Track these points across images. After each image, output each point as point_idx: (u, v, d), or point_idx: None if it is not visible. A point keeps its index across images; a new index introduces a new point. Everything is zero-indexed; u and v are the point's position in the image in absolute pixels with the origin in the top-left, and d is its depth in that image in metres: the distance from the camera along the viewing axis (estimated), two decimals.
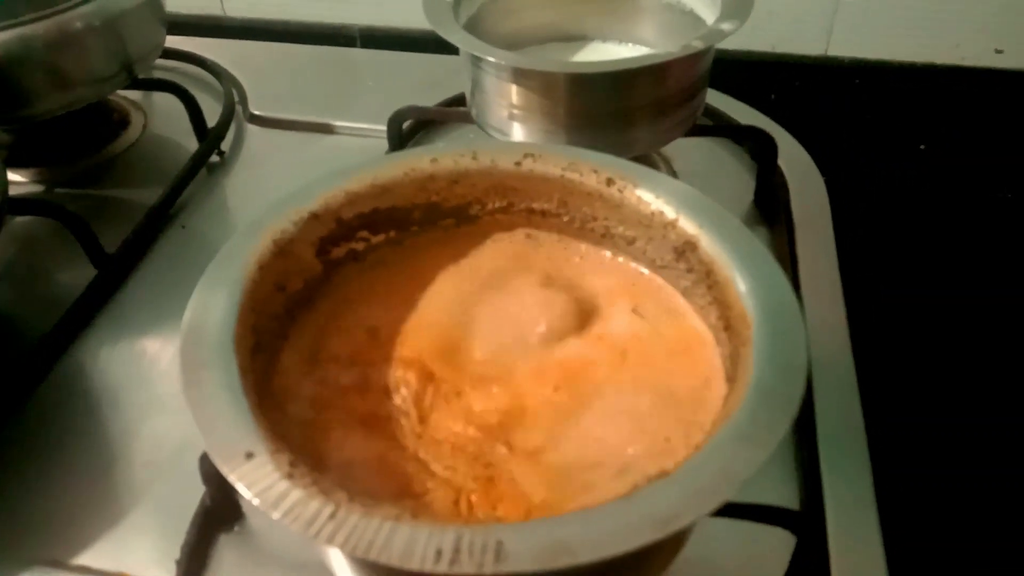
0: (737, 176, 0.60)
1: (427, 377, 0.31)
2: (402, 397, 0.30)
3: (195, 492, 0.39)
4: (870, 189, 0.69)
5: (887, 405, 0.45)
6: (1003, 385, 0.52)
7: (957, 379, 0.51)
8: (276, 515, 0.22)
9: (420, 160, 0.36)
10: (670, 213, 0.33)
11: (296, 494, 0.23)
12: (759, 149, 0.58)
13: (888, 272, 0.60)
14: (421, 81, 0.69)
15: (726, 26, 0.47)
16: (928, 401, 0.49)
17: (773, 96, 0.73)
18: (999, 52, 0.70)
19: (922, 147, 0.72)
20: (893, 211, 0.67)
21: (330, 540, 0.22)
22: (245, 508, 0.40)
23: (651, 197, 0.33)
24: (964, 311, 0.57)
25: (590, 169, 0.35)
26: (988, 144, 0.71)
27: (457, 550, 0.21)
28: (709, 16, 0.52)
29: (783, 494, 0.40)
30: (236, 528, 0.39)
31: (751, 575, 0.37)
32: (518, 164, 0.35)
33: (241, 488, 0.23)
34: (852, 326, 0.47)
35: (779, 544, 0.37)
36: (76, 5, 0.56)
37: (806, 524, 0.37)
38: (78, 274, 0.52)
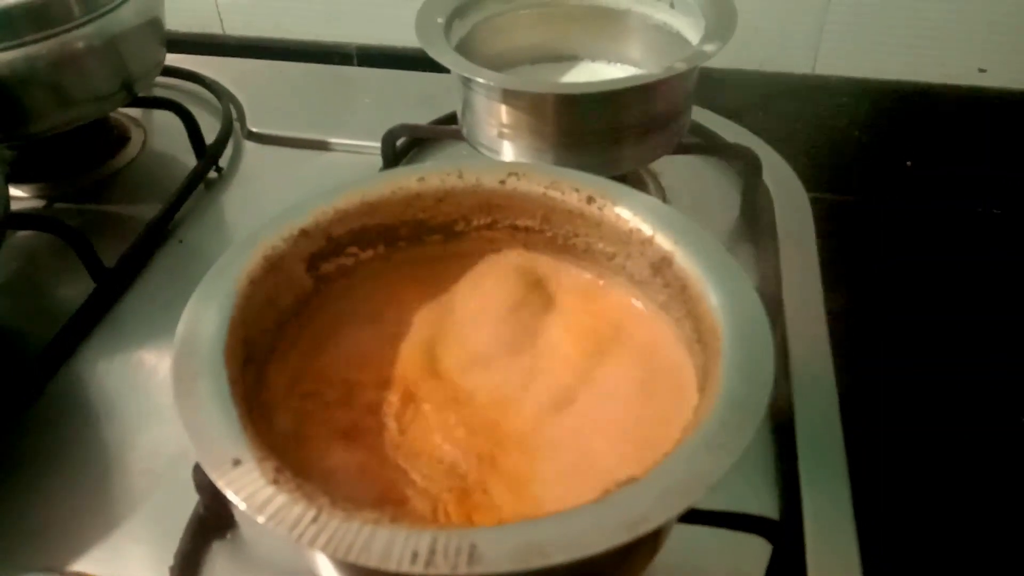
0: (723, 192, 0.62)
1: (408, 392, 0.32)
2: (384, 412, 0.31)
3: (189, 501, 0.40)
4: (857, 205, 0.70)
5: (866, 417, 0.46)
6: (985, 396, 0.53)
7: (938, 391, 0.52)
8: (261, 519, 0.23)
9: (408, 179, 0.37)
10: (647, 230, 0.34)
11: (281, 499, 0.24)
12: (744, 166, 0.59)
13: (872, 288, 0.61)
14: (416, 99, 0.71)
15: (709, 47, 0.49)
16: (908, 413, 0.50)
17: (761, 113, 0.75)
18: (983, 71, 0.71)
19: (908, 163, 0.74)
20: (879, 227, 0.68)
21: (312, 542, 0.23)
22: (237, 516, 0.41)
23: (629, 215, 0.34)
24: (949, 326, 0.58)
25: (571, 187, 0.36)
26: (974, 160, 0.72)
27: (432, 552, 0.22)
28: (694, 37, 0.54)
29: (762, 503, 0.41)
30: (228, 536, 0.40)
31: None
32: (502, 183, 0.37)
33: (229, 493, 0.24)
34: (833, 340, 0.48)
35: (757, 552, 0.38)
36: (78, 25, 0.57)
37: (783, 533, 0.38)
38: (77, 288, 0.54)
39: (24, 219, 0.58)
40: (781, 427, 0.44)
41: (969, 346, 0.57)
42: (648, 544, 0.29)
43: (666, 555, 0.31)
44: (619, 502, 0.24)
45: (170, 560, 0.38)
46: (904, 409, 0.51)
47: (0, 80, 0.55)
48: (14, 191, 0.64)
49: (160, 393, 0.48)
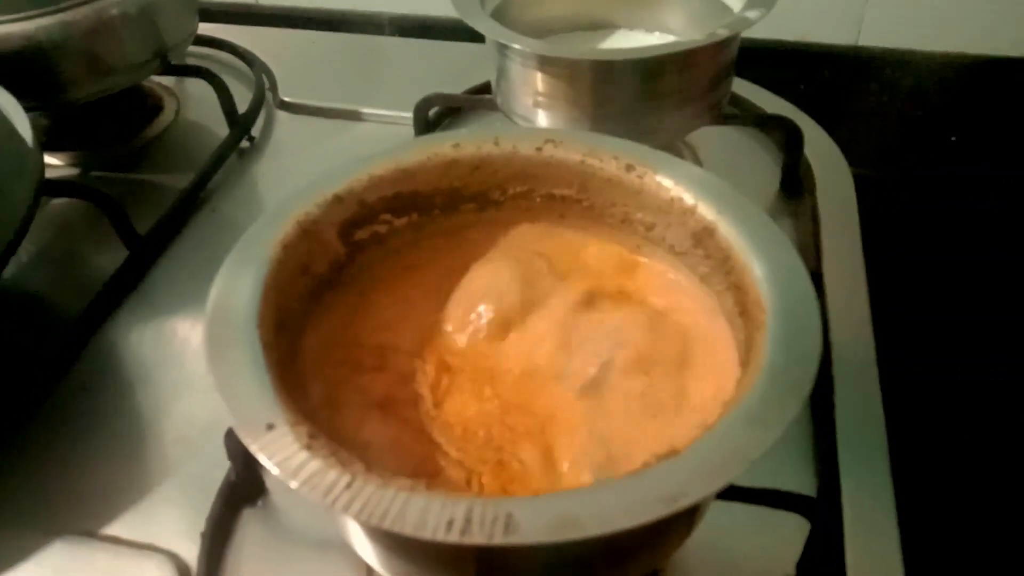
0: (763, 165, 0.60)
1: (443, 362, 0.32)
2: (418, 381, 0.31)
3: (221, 468, 0.40)
4: (899, 181, 0.68)
5: (908, 396, 0.45)
6: None
7: (981, 374, 0.51)
8: (295, 484, 0.23)
9: (442, 145, 0.36)
10: (689, 199, 0.33)
11: (314, 464, 0.24)
12: (785, 138, 0.58)
13: (915, 265, 0.59)
14: (449, 69, 0.70)
15: (752, 14, 0.47)
16: (949, 395, 0.49)
17: (802, 86, 0.73)
18: None
19: (953, 139, 0.72)
20: (922, 203, 0.66)
21: (346, 509, 0.22)
22: (269, 484, 0.41)
23: (670, 183, 0.33)
24: (993, 304, 0.56)
25: (610, 155, 0.35)
26: (1021, 135, 0.70)
27: (468, 520, 0.22)
28: (736, 4, 0.52)
29: (800, 481, 0.41)
30: (260, 503, 0.41)
31: (765, 560, 0.37)
32: (539, 150, 0.36)
33: (262, 458, 0.24)
34: (875, 317, 0.47)
35: (794, 530, 0.37)
36: None
37: (820, 510, 0.37)
38: (111, 256, 0.54)
39: (60, 186, 0.58)
40: (820, 405, 0.43)
41: (1013, 326, 0.55)
42: (685, 520, 0.29)
43: (701, 531, 0.31)
44: (658, 476, 0.23)
45: (202, 526, 0.39)
46: (946, 389, 0.50)
47: (36, 47, 0.55)
48: (49, 159, 0.64)
49: (193, 361, 0.48)
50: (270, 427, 0.24)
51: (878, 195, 0.58)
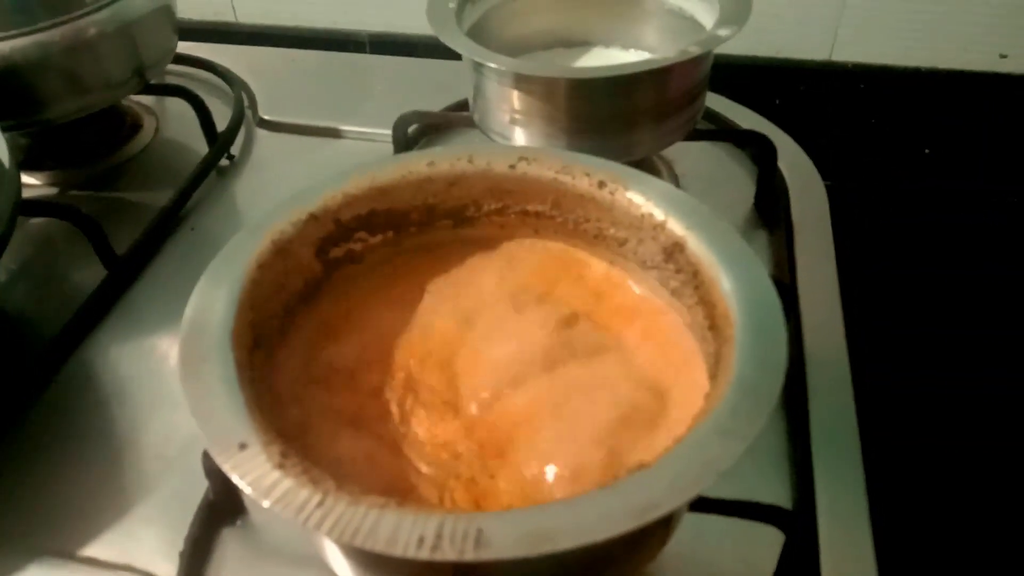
0: (738, 179, 0.61)
1: (413, 379, 0.32)
2: (391, 399, 0.31)
3: (200, 486, 0.40)
4: (875, 193, 0.69)
5: (882, 407, 0.45)
6: (1002, 388, 0.52)
7: (955, 384, 0.52)
8: (267, 503, 0.23)
9: (418, 163, 0.36)
10: (659, 215, 0.33)
11: (287, 483, 0.24)
12: (759, 153, 0.59)
13: (888, 276, 0.60)
14: (428, 86, 0.70)
15: (723, 32, 0.48)
16: (923, 404, 0.50)
17: (777, 100, 0.74)
18: (1004, 57, 0.70)
19: (927, 151, 0.73)
20: (897, 215, 0.67)
21: (318, 527, 0.23)
22: (247, 502, 0.41)
23: (641, 199, 0.34)
24: (966, 314, 0.57)
25: (582, 172, 0.35)
26: (993, 148, 0.71)
27: (439, 536, 0.22)
28: (709, 22, 0.53)
29: (775, 492, 0.41)
30: (239, 522, 0.40)
31: (741, 571, 0.38)
32: (513, 167, 0.36)
33: (235, 477, 0.24)
34: (849, 328, 0.48)
35: (770, 542, 0.37)
36: (91, 12, 0.57)
37: (796, 522, 0.38)
38: (90, 274, 0.54)
39: (37, 206, 0.58)
40: (795, 416, 0.43)
41: (989, 334, 0.56)
42: (658, 531, 0.29)
43: (678, 544, 0.31)
44: (628, 488, 0.24)
45: (181, 545, 0.38)
46: (919, 397, 0.51)
47: (14, 67, 0.55)
48: (27, 178, 0.64)
49: (172, 379, 0.48)
50: (243, 446, 0.25)
51: (852, 207, 0.58)
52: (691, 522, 0.31)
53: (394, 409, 0.31)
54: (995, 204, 0.68)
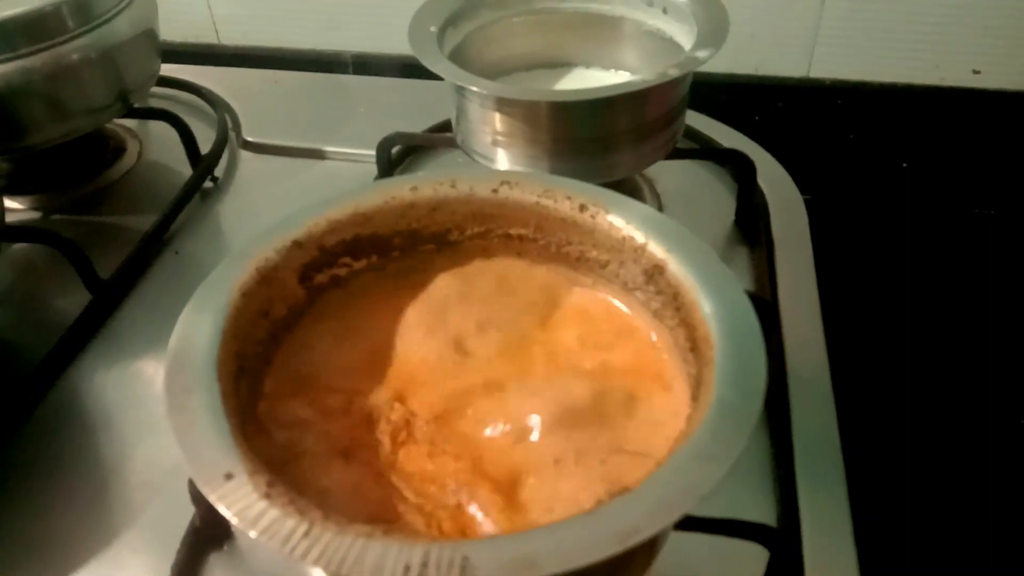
0: (719, 196, 0.62)
1: (401, 406, 0.32)
2: (377, 426, 0.31)
3: (186, 512, 0.40)
4: (853, 207, 0.70)
5: (864, 423, 0.46)
6: (984, 404, 0.53)
7: (936, 398, 0.52)
8: (253, 533, 0.23)
9: (400, 188, 0.37)
10: (640, 238, 0.34)
11: (273, 513, 0.24)
12: (739, 171, 0.59)
13: (868, 291, 0.61)
14: (412, 107, 0.71)
15: (701, 53, 0.49)
16: (906, 419, 0.50)
17: (757, 117, 0.75)
18: (977, 73, 0.72)
19: (904, 165, 0.74)
20: (876, 229, 0.68)
21: (305, 556, 0.23)
22: (234, 529, 0.41)
23: (622, 223, 0.34)
24: (945, 329, 0.58)
25: (564, 196, 0.36)
26: (969, 162, 0.72)
27: (425, 564, 0.22)
28: (687, 43, 0.54)
29: (760, 510, 0.41)
30: (225, 548, 0.40)
31: None
32: (495, 192, 0.37)
33: (221, 508, 0.24)
34: (830, 345, 0.48)
35: (754, 560, 0.38)
36: (73, 37, 0.57)
37: (780, 539, 0.38)
38: (74, 299, 0.54)
39: (20, 231, 0.58)
40: (778, 433, 0.44)
41: (968, 349, 0.57)
42: (643, 554, 0.29)
43: (663, 563, 0.31)
44: (611, 513, 0.24)
45: (167, 572, 0.38)
46: (901, 413, 0.51)
47: None
48: (10, 203, 0.64)
49: (157, 405, 0.48)
50: (228, 476, 0.25)
51: (831, 222, 0.59)
52: (676, 541, 0.31)
53: (380, 437, 0.31)
54: (974, 217, 0.69)
